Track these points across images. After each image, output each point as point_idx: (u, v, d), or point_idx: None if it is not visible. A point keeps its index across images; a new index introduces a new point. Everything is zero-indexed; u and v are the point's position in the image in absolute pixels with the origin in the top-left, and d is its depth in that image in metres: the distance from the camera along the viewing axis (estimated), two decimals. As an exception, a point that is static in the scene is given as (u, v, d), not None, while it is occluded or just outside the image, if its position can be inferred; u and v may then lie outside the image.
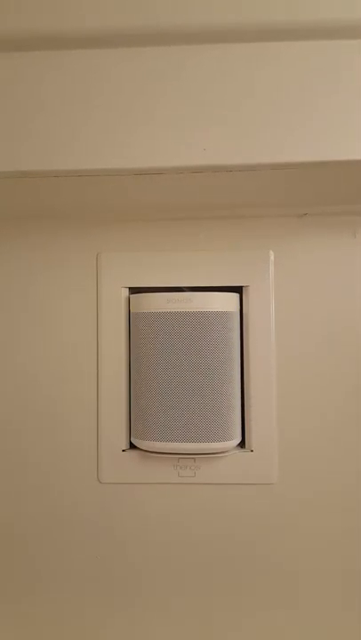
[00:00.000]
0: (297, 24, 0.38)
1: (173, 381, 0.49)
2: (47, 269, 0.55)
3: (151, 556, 0.54)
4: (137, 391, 0.51)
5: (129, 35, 0.39)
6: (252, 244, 0.54)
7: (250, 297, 0.53)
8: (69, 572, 0.54)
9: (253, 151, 0.39)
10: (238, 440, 0.51)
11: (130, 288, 0.54)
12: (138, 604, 0.54)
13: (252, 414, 0.52)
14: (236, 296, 0.52)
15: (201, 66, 0.40)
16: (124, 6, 0.39)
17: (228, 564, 0.53)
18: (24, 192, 0.46)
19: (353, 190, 0.47)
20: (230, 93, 0.39)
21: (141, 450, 0.52)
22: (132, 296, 0.53)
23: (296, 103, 0.39)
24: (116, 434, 0.53)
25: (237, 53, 0.39)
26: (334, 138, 0.39)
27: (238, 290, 0.53)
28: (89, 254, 0.55)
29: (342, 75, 0.39)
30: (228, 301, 0.51)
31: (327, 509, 0.53)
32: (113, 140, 0.40)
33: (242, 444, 0.53)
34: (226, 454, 0.51)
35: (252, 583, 0.53)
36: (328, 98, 0.39)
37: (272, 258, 0.53)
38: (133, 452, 0.53)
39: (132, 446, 0.53)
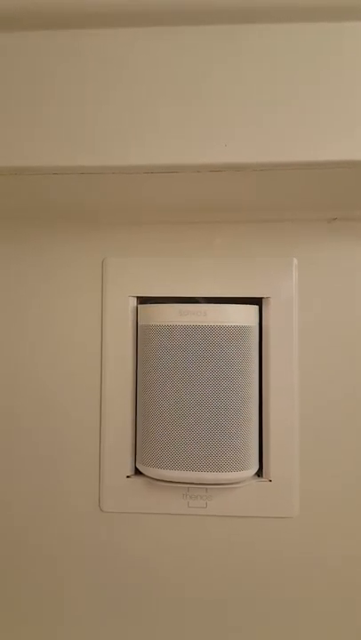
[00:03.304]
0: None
1: (184, 403, 0.44)
2: (47, 276, 0.50)
3: (156, 593, 0.49)
4: (144, 413, 0.46)
5: (141, 12, 0.34)
6: (273, 250, 0.49)
7: (271, 310, 0.48)
8: (69, 606, 0.49)
9: (282, 148, 0.34)
10: (255, 469, 0.46)
11: (138, 298, 0.49)
12: (141, 643, 0.49)
13: (271, 441, 0.47)
14: (255, 308, 0.47)
15: (221, 49, 0.35)
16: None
17: (240, 604, 0.48)
18: (23, 190, 0.42)
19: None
20: (255, 81, 0.34)
21: (148, 477, 0.47)
22: (140, 307, 0.48)
23: (330, 94, 0.34)
24: (120, 459, 0.48)
25: (264, 34, 0.34)
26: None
27: (258, 302, 0.48)
28: (93, 260, 0.50)
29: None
30: (247, 314, 0.46)
31: (353, 547, 0.47)
32: (121, 133, 0.35)
33: (259, 473, 0.48)
34: (241, 484, 0.46)
35: (267, 626, 0.48)
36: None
37: (296, 266, 0.48)
38: (139, 479, 0.48)
39: (138, 472, 0.48)
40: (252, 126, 0.34)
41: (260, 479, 0.47)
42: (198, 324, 0.45)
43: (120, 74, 0.35)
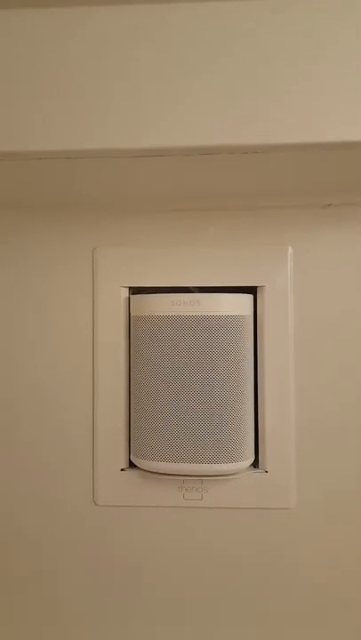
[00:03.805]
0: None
1: (178, 394, 0.44)
2: (35, 267, 0.49)
3: (152, 587, 0.48)
4: (137, 404, 0.46)
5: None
6: (268, 238, 0.48)
7: (265, 299, 0.47)
8: (63, 601, 0.49)
9: (276, 129, 0.33)
10: (251, 460, 0.45)
11: (130, 288, 0.48)
12: (137, 638, 0.48)
13: (266, 431, 0.46)
14: (249, 298, 0.46)
15: (211, 23, 0.33)
16: None
17: (237, 597, 0.48)
18: (7, 178, 0.40)
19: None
20: (248, 57, 0.33)
21: (142, 469, 0.46)
22: (132, 297, 0.47)
23: (330, 71, 0.33)
24: (114, 451, 0.48)
25: (258, 9, 0.33)
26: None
27: (252, 290, 0.47)
28: (84, 249, 0.49)
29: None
30: (241, 304, 0.45)
31: (350, 538, 0.47)
32: (106, 115, 0.33)
33: (255, 464, 0.47)
34: (237, 476, 0.45)
35: (264, 618, 0.47)
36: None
37: (291, 254, 0.47)
38: (133, 472, 0.47)
39: (132, 465, 0.48)
40: (244, 106, 0.33)
41: (256, 470, 0.47)
42: (191, 313, 0.44)
43: (106, 55, 0.34)
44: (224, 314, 0.44)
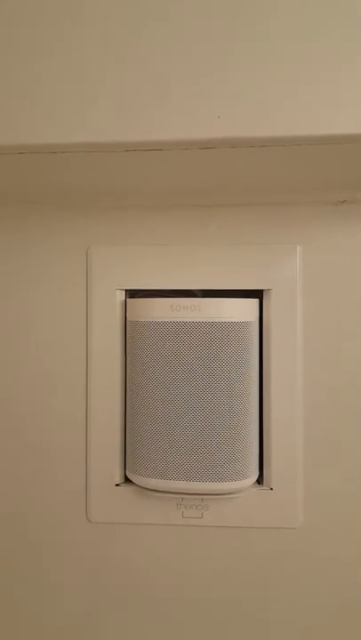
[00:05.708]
0: None
1: (177, 406, 0.41)
2: (24, 268, 0.46)
3: (149, 609, 0.45)
4: (134, 416, 0.43)
5: None
6: (275, 237, 0.44)
7: (272, 303, 0.43)
8: (56, 622, 0.46)
9: (284, 120, 0.29)
10: (255, 477, 0.42)
11: (126, 291, 0.45)
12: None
13: (272, 446, 0.43)
14: (255, 302, 0.43)
15: (212, 8, 0.29)
16: None
17: (240, 621, 0.45)
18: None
19: None
20: (253, 40, 0.29)
21: (138, 485, 0.43)
22: (128, 301, 0.44)
23: (342, 55, 0.29)
24: (109, 465, 0.45)
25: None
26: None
27: (258, 294, 0.44)
28: (77, 249, 0.45)
29: None
30: (246, 309, 0.42)
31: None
32: (95, 105, 0.30)
33: (260, 481, 0.44)
34: (240, 494, 0.42)
35: (268, 643, 0.45)
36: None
37: (300, 255, 0.44)
38: (129, 487, 0.44)
39: (128, 479, 0.45)
40: (250, 95, 0.29)
41: (261, 487, 0.44)
42: (191, 319, 0.40)
43: (97, 40, 0.30)
44: (227, 320, 0.41)
